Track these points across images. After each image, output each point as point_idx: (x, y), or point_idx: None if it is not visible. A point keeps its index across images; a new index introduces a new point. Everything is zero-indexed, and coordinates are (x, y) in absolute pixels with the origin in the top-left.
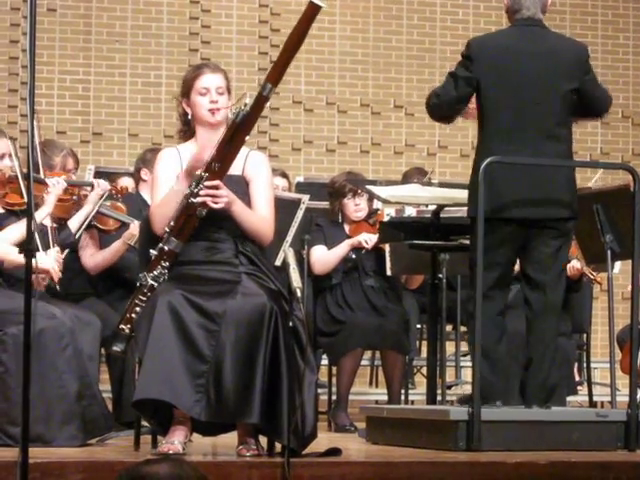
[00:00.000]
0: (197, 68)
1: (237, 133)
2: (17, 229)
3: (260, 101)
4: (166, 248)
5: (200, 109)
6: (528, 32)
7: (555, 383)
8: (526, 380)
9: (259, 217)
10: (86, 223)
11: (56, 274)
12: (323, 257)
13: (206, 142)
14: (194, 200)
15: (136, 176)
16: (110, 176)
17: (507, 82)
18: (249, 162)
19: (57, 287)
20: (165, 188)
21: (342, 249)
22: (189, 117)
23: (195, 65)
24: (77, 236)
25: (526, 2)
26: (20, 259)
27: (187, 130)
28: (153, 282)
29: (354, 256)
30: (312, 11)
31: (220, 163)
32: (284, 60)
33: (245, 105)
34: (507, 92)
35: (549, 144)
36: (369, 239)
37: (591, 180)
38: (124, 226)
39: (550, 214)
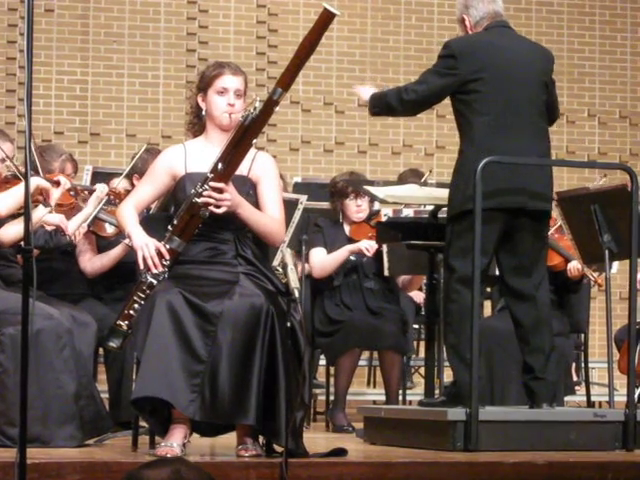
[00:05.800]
0: (219, 66)
1: (245, 136)
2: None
3: (270, 105)
4: (168, 247)
5: (216, 109)
6: (504, 32)
7: (557, 379)
8: (531, 384)
9: (270, 218)
10: (85, 225)
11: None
12: (322, 261)
13: (216, 143)
14: (198, 200)
15: (130, 180)
16: (107, 177)
17: (496, 76)
18: (256, 163)
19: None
20: (148, 187)
21: (341, 254)
22: (203, 112)
23: (217, 62)
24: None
25: (493, 7)
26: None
27: (197, 123)
28: (153, 280)
29: (354, 258)
30: (326, 18)
31: (226, 165)
32: (296, 66)
33: (254, 109)
34: (497, 86)
35: (538, 139)
36: (370, 246)
37: (590, 180)
38: (122, 232)
39: (537, 205)
